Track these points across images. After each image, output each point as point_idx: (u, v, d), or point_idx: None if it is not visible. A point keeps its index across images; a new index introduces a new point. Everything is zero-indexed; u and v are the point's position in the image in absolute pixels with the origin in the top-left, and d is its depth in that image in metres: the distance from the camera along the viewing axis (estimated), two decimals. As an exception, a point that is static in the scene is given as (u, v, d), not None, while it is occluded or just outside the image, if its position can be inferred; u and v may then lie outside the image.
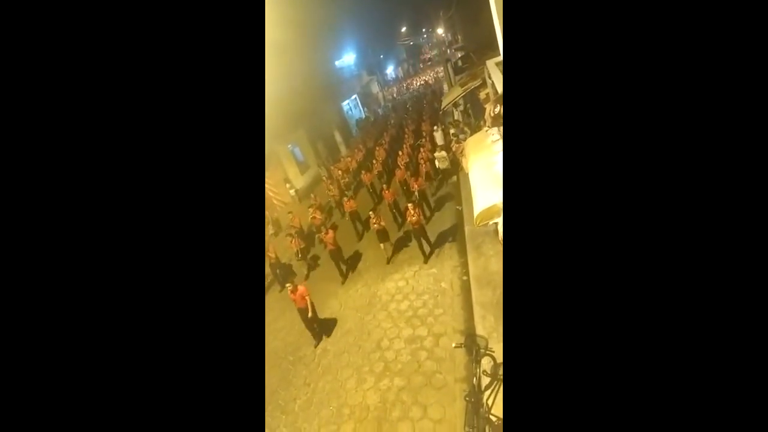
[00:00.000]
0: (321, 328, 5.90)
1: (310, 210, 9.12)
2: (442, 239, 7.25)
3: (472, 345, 3.40)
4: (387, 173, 11.51)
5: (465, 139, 8.61)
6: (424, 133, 12.57)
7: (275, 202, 13.24)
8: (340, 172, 12.24)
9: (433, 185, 9.82)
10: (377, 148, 12.87)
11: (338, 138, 18.25)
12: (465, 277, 5.88)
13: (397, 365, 4.83)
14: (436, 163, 9.84)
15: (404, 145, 11.59)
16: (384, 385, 4.62)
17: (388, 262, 7.23)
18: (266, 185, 12.88)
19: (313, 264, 8.41)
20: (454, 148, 9.50)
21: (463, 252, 6.49)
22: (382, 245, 7.23)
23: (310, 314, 5.59)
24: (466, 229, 6.93)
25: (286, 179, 13.73)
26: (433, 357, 4.74)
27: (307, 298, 5.58)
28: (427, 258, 6.80)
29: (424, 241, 6.77)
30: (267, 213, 10.94)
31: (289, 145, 14.58)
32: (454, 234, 7.28)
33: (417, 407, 4.18)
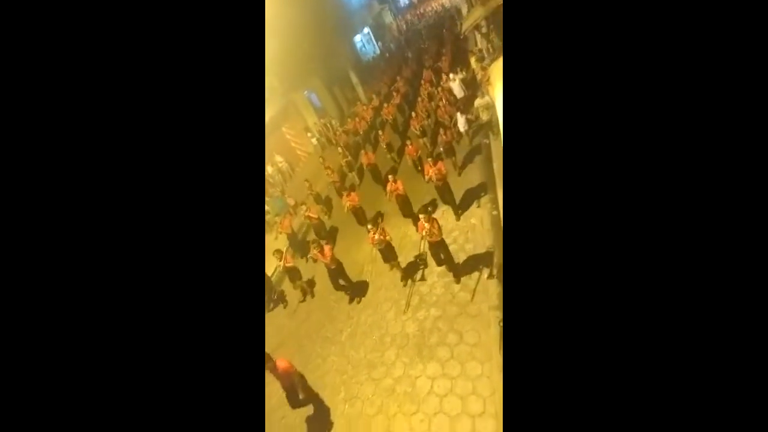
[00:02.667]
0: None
1: (304, 208, 7.59)
2: (470, 177, 7.18)
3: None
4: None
5: (490, 65, 8.06)
6: (442, 80, 10.50)
7: (299, 153, 13.33)
8: (345, 137, 10.87)
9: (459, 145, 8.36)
10: (385, 106, 11.00)
11: (354, 78, 17.53)
12: (495, 212, 5.92)
13: (432, 297, 5.15)
14: (462, 124, 7.95)
15: (418, 104, 9.93)
16: (421, 315, 4.99)
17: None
18: (287, 136, 12.90)
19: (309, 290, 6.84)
20: (479, 76, 8.91)
21: (492, 187, 6.45)
22: (388, 265, 5.80)
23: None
24: (495, 164, 6.80)
25: (307, 128, 13.65)
26: (466, 289, 5.00)
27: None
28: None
29: (443, 254, 5.10)
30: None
31: (306, 92, 14.25)
32: (483, 170, 7.17)
33: (453, 334, 4.53)
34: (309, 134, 13.51)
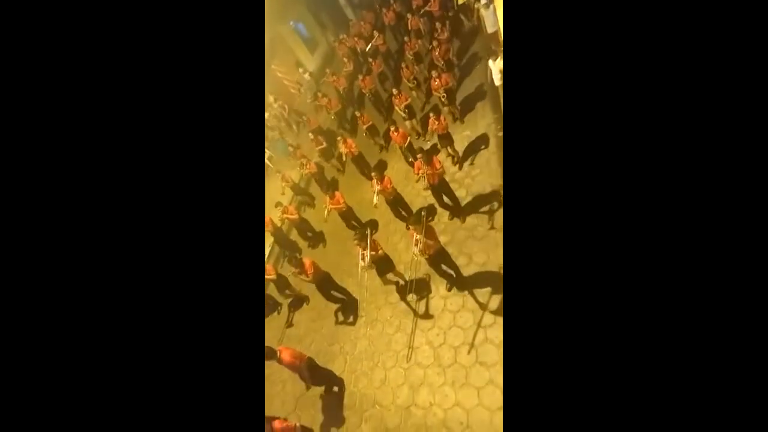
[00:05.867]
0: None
1: (278, 211, 6.44)
2: (472, 99, 6.83)
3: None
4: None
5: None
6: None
7: (292, 91, 12.71)
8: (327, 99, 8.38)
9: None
10: (360, 78, 7.99)
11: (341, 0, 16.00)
12: (500, 134, 5.73)
13: (440, 226, 5.24)
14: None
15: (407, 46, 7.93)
16: (431, 242, 5.10)
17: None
18: (278, 73, 12.20)
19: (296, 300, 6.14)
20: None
21: (497, 107, 6.16)
22: (384, 277, 4.76)
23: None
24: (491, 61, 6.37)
25: (297, 62, 12.81)
26: (474, 211, 5.05)
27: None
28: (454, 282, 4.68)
29: (446, 266, 4.31)
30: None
31: (291, 23, 13.12)
32: (484, 91, 6.79)
33: (463, 256, 4.69)
34: (300, 69, 12.73)
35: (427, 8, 8.68)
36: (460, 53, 8.20)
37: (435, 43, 6.91)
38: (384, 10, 10.49)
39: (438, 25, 7.38)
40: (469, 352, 3.84)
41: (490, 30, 6.65)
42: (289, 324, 5.89)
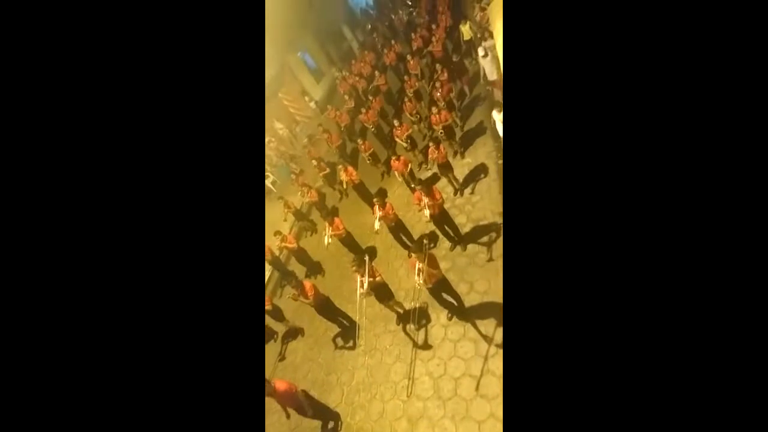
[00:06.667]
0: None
1: (277, 240, 6.32)
2: (472, 135, 6.96)
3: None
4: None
5: (488, 4, 7.51)
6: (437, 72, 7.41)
7: (298, 119, 13.05)
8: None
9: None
10: (363, 111, 8.16)
11: (348, 34, 16.70)
12: (500, 161, 5.80)
13: (440, 251, 5.21)
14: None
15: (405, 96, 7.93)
16: (431, 269, 5.05)
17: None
18: (285, 101, 12.57)
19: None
20: (478, 17, 8.26)
21: (496, 135, 6.27)
22: (387, 304, 4.60)
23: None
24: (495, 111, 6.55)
25: (303, 91, 13.24)
26: (474, 241, 5.03)
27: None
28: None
29: (447, 295, 4.20)
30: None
31: (299, 53, 13.67)
32: (484, 127, 6.91)
33: (464, 284, 4.62)
34: (306, 98, 13.12)
35: (429, 49, 8.85)
36: (461, 94, 8.19)
37: (437, 84, 6.95)
38: (385, 50, 10.74)
39: (439, 66, 7.42)
40: (476, 388, 3.68)
41: (490, 77, 6.72)
42: (282, 357, 5.72)
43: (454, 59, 8.67)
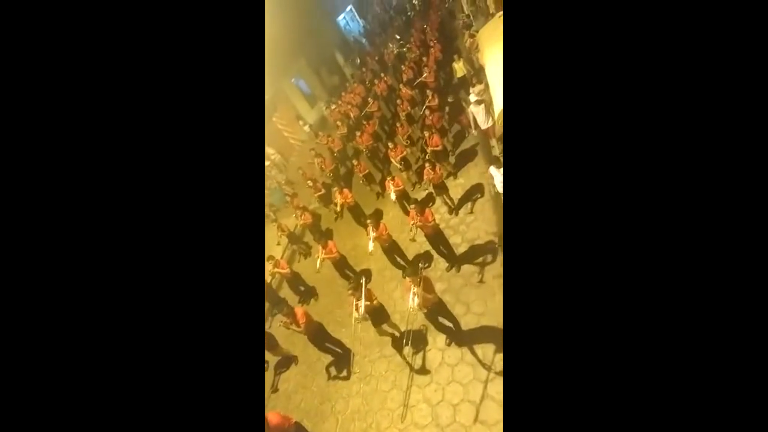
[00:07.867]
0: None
1: (270, 265, 6.21)
2: (465, 157, 7.05)
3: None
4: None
5: (477, 32, 7.77)
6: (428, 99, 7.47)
7: (291, 141, 13.18)
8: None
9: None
10: (358, 135, 8.31)
11: (340, 59, 17.16)
12: (493, 183, 5.84)
13: (437, 272, 5.15)
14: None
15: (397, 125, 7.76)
16: (427, 291, 4.97)
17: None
18: (279, 126, 12.73)
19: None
20: (468, 44, 8.43)
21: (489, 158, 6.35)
22: (380, 328, 4.43)
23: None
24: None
25: (298, 116, 13.45)
26: (469, 261, 4.99)
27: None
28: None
29: (444, 319, 4.21)
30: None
31: (293, 79, 13.97)
32: (476, 151, 7.00)
33: (460, 305, 4.54)
34: (301, 122, 13.30)
35: (421, 79, 8.90)
36: (458, 137, 7.87)
37: (427, 111, 7.03)
38: (376, 82, 10.87)
39: (429, 92, 7.46)
40: (476, 417, 3.53)
41: (483, 126, 6.10)
42: (275, 389, 5.43)
43: (450, 100, 8.73)
